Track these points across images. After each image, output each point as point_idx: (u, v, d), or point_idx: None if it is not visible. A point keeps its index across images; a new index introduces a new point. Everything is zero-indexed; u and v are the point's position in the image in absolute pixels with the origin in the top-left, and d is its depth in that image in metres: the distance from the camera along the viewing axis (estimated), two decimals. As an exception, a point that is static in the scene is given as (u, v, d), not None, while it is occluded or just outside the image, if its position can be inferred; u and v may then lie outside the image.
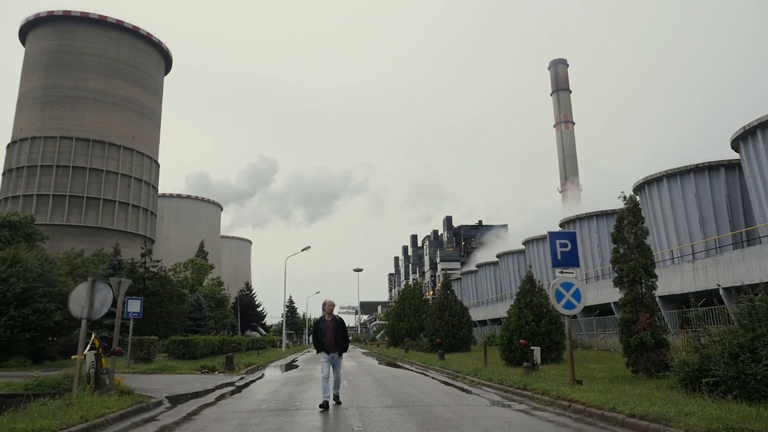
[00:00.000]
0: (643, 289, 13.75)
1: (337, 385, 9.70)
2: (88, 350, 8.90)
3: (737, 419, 5.80)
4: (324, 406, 8.99)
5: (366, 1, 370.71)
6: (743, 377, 8.82)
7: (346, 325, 10.10)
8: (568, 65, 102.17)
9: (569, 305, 10.33)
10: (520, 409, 8.71)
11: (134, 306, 18.84)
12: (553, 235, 10.79)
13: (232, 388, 13.37)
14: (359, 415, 8.30)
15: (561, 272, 10.49)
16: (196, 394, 11.54)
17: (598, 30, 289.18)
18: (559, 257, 10.52)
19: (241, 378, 16.57)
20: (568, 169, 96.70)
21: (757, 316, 10.06)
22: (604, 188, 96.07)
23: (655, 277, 13.82)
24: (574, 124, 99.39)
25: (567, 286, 10.26)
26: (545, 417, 7.95)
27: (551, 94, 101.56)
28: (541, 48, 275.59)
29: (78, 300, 8.52)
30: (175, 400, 10.49)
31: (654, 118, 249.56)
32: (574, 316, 32.55)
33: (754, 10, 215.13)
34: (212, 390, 12.56)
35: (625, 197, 14.44)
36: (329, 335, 9.49)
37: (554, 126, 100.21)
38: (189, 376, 16.47)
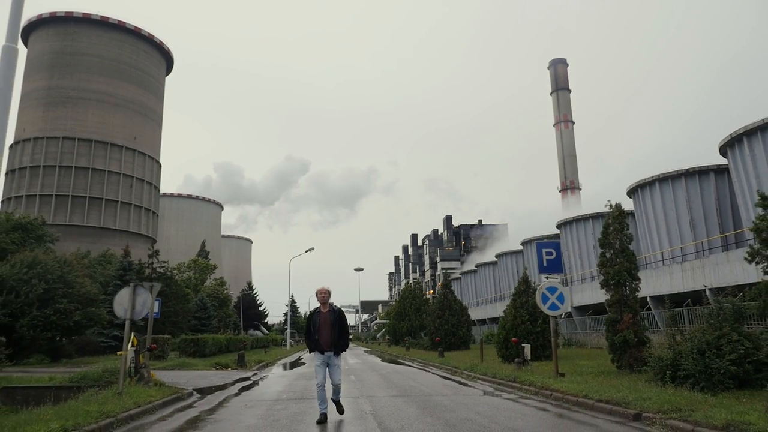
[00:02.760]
0: (628, 291, 14.86)
1: (337, 391, 7.85)
2: (129, 347, 10.07)
3: (684, 403, 7.02)
4: (321, 421, 7.45)
5: (367, 1, 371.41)
6: (709, 371, 9.95)
7: (347, 318, 8.36)
8: (567, 65, 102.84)
9: (553, 307, 11.53)
10: (509, 398, 9.98)
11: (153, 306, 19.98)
12: (539, 245, 11.99)
13: (249, 382, 14.64)
14: (370, 402, 9.55)
15: (546, 277, 11.69)
16: (220, 387, 12.83)
17: (599, 30, 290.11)
18: (545, 264, 11.73)
19: (255, 374, 17.82)
20: (568, 169, 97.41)
21: (724, 316, 11.25)
22: (606, 188, 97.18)
23: (639, 279, 14.95)
24: (573, 123, 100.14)
25: (552, 290, 11.46)
26: (529, 403, 9.25)
27: (551, 94, 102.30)
28: (543, 47, 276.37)
29: (121, 303, 9.70)
30: (203, 391, 11.76)
31: (655, 117, 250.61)
32: (569, 315, 33.77)
33: (756, 10, 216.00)
34: (232, 384, 13.82)
35: (611, 205, 15.61)
36: (325, 330, 7.67)
37: (554, 125, 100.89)
38: (206, 372, 17.73)
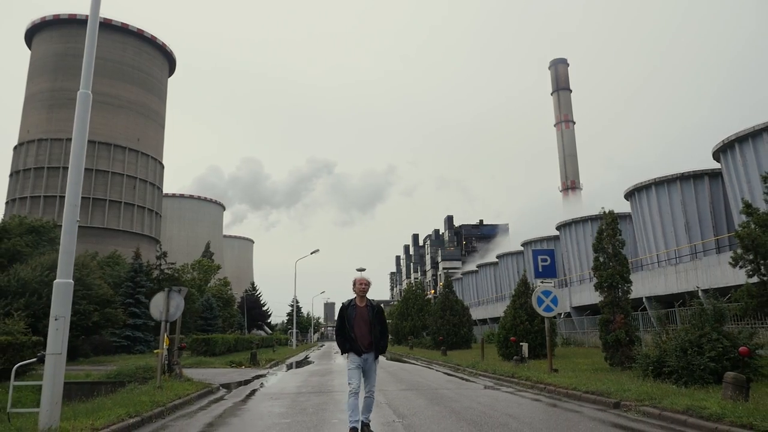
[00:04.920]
0: (620, 293, 15.85)
1: (369, 407, 6.49)
2: (165, 346, 11.12)
3: (658, 393, 8.11)
4: None
5: (370, 2, 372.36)
6: (691, 367, 10.94)
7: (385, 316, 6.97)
8: (568, 64, 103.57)
9: (548, 309, 12.58)
10: (508, 391, 11.10)
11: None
12: (535, 252, 13.06)
13: (267, 378, 15.79)
14: (383, 395, 10.63)
15: (542, 282, 12.74)
16: (242, 383, 13.94)
17: (601, 30, 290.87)
18: (540, 270, 12.80)
19: (269, 371, 18.94)
20: (569, 169, 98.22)
21: (706, 317, 12.25)
22: (607, 187, 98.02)
23: (630, 282, 15.95)
24: (574, 123, 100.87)
25: (546, 293, 12.52)
26: (525, 395, 10.39)
27: (551, 94, 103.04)
28: (546, 47, 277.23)
29: (157, 306, 10.75)
30: (228, 386, 12.88)
31: (656, 116, 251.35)
32: (568, 315, 34.79)
33: (756, 12, 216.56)
34: (251, 380, 14.92)
35: (604, 212, 16.67)
36: (362, 328, 6.44)
37: (555, 125, 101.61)
38: (223, 370, 18.81)
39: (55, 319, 6.10)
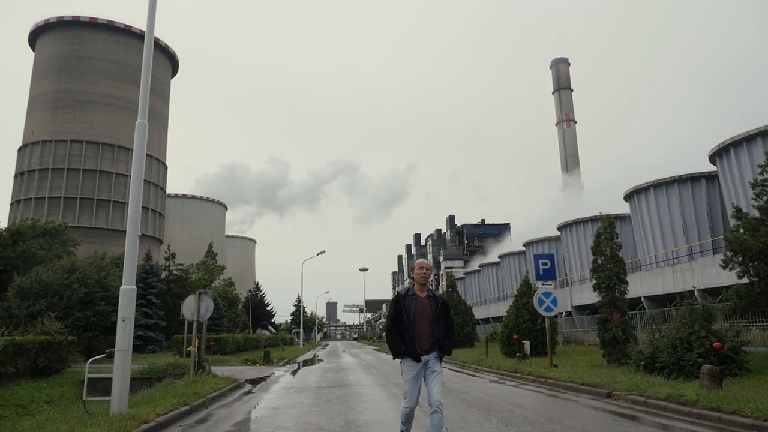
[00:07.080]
0: (617, 294, 16.74)
1: (438, 425, 4.86)
2: (195, 345, 12.10)
3: (645, 384, 9.14)
4: None
5: (373, 2, 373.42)
6: (681, 363, 11.84)
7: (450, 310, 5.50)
8: (569, 64, 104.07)
9: (548, 309, 13.55)
10: (511, 384, 12.10)
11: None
12: (536, 256, 14.05)
13: (285, 375, 16.79)
14: (397, 388, 11.60)
15: (542, 284, 13.70)
16: (263, 379, 14.94)
17: (603, 30, 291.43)
18: (541, 273, 13.77)
19: (284, 369, 19.92)
20: (570, 168, 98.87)
21: (695, 316, 13.16)
22: (608, 186, 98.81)
23: (626, 283, 16.85)
24: (575, 122, 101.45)
25: (547, 294, 13.49)
26: (527, 388, 11.40)
27: (553, 93, 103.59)
28: (547, 46, 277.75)
29: (189, 307, 11.71)
30: (252, 382, 13.85)
31: (658, 116, 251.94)
32: (569, 314, 35.72)
33: (758, 13, 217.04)
34: (271, 376, 15.96)
35: (603, 216, 17.59)
36: (424, 324, 5.06)
37: (556, 125, 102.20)
38: (240, 367, 19.76)
39: (122, 320, 7.07)
